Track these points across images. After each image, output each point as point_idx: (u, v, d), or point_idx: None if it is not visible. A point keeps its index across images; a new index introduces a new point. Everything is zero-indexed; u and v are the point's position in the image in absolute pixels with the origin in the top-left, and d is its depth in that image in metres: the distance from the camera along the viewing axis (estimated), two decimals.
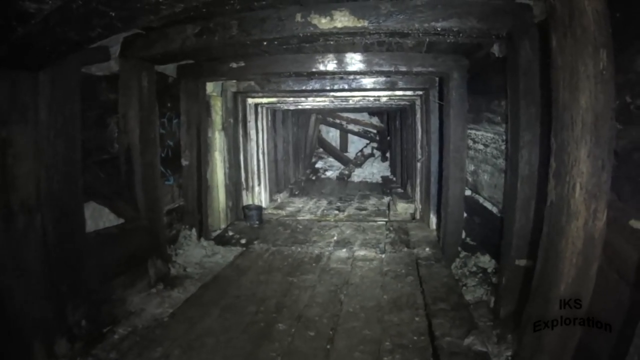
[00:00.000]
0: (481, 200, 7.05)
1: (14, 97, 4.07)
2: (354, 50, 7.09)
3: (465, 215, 7.64)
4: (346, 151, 23.47)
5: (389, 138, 20.82)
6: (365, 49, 7.04)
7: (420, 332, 4.89)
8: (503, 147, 6.02)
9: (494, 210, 6.46)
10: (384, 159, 22.07)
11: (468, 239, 7.53)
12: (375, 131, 22.91)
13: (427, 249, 7.88)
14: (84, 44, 4.07)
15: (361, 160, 22.08)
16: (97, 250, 5.38)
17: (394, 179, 17.88)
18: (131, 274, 6.05)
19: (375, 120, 22.62)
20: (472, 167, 7.50)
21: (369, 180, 19.63)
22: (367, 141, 23.26)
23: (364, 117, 22.54)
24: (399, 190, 14.24)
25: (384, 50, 7.08)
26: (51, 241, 4.50)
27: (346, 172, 20.59)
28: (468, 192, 7.59)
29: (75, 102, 4.84)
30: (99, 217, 5.74)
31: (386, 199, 13.91)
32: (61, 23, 3.38)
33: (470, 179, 7.57)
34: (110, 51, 5.70)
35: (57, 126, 4.54)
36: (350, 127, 23.03)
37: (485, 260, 6.64)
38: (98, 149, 5.86)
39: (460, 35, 5.12)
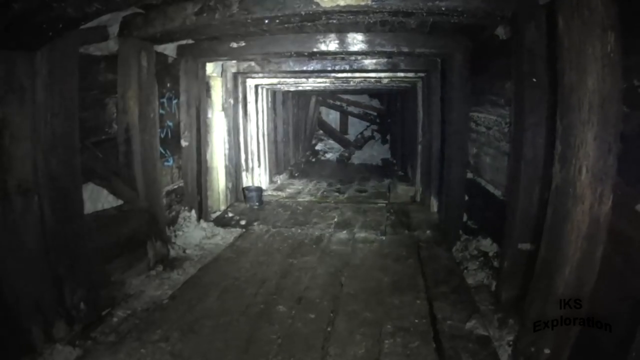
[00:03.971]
0: (483, 183, 6.99)
1: (10, 77, 4.01)
2: (356, 30, 7.01)
3: (466, 198, 7.60)
4: (346, 133, 23.42)
5: (389, 120, 20.77)
6: (367, 29, 6.95)
7: (422, 315, 4.87)
8: (506, 130, 5.96)
9: (496, 193, 6.41)
10: (384, 141, 22.00)
11: (469, 222, 7.49)
12: (375, 113, 22.79)
13: (428, 232, 7.87)
14: (82, 20, 4.00)
15: (361, 142, 22.03)
16: (95, 232, 5.35)
17: (395, 161, 17.87)
18: (130, 255, 6.03)
19: (375, 103, 22.54)
20: (474, 150, 7.45)
21: (369, 163, 19.61)
22: (368, 123, 23.14)
23: (364, 99, 22.47)
24: (400, 172, 14.25)
25: (387, 31, 6.99)
26: (49, 223, 4.47)
27: (346, 154, 20.57)
28: (470, 175, 7.54)
29: (73, 82, 4.78)
30: (97, 199, 5.70)
31: (386, 182, 13.85)
32: None
33: (472, 162, 7.52)
34: (109, 31, 5.63)
35: (54, 106, 4.49)
36: (351, 109, 22.89)
37: (487, 244, 6.60)
38: (96, 130, 5.81)
39: (465, 15, 5.06)
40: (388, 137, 21.49)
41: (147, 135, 6.46)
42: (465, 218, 7.60)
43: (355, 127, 23.45)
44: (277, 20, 5.57)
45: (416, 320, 4.77)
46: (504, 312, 4.93)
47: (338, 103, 22.49)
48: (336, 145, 22.68)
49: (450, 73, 7.48)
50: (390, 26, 6.72)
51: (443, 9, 4.79)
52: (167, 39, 6.86)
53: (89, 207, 5.42)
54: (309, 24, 6.27)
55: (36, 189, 4.33)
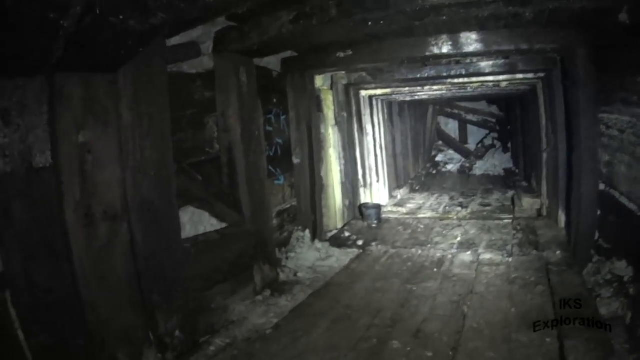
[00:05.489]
0: (617, 195, 6.28)
1: (90, 100, 3.87)
2: (469, 29, 6.64)
3: (598, 213, 6.91)
4: (466, 143, 22.99)
5: (509, 127, 20.16)
6: (480, 27, 6.55)
7: (551, 357, 4.26)
8: None
9: (633, 207, 5.72)
10: (505, 149, 21.34)
11: (601, 241, 6.76)
12: (494, 120, 22.16)
13: (558, 252, 7.19)
14: (151, 35, 3.72)
15: (482, 152, 21.51)
16: (195, 257, 5.19)
17: (517, 171, 17.22)
18: (234, 280, 5.83)
19: (494, 109, 21.93)
20: (606, 157, 6.72)
21: (491, 173, 19.04)
22: (487, 131, 22.61)
23: (482, 106, 21.97)
24: (523, 183, 13.58)
25: (501, 27, 6.58)
26: (140, 249, 4.32)
27: (467, 165, 20.09)
28: (602, 187, 6.83)
29: (162, 102, 4.61)
30: (199, 222, 5.62)
31: (510, 193, 13.28)
32: (113, 11, 3.04)
33: (604, 171, 6.80)
34: (202, 47, 5.49)
35: (142, 128, 4.33)
36: (469, 117, 22.43)
37: (622, 267, 5.85)
38: (195, 150, 5.70)
39: None
40: (509, 145, 20.78)
41: (252, 154, 6.30)
42: (597, 236, 6.89)
43: (475, 136, 22.98)
44: (382, 22, 5.20)
45: None
46: None
47: (456, 111, 22.12)
48: (456, 156, 22.26)
49: (573, 70, 6.85)
50: (505, 21, 6.30)
51: None
52: (267, 52, 6.67)
53: (189, 231, 5.33)
54: (417, 23, 5.79)
55: (125, 214, 4.18)
